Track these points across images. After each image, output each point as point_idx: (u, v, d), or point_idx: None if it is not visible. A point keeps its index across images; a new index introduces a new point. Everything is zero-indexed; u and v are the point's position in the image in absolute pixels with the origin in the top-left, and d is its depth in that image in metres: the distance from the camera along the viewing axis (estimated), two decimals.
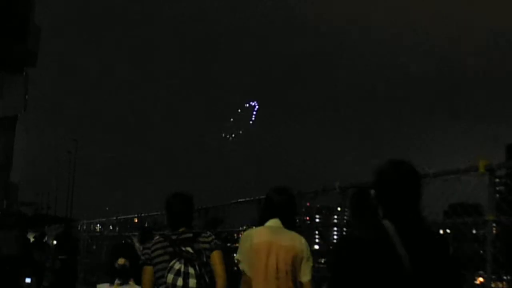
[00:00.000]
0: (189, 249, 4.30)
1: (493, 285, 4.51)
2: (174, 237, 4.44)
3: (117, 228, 16.92)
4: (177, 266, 4.23)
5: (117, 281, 5.65)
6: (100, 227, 20.60)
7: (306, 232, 6.44)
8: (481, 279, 4.71)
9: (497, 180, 4.56)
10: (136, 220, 14.36)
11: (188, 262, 4.24)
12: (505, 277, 5.08)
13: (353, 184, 6.26)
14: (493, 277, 4.48)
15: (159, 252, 4.40)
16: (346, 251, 2.63)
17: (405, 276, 2.49)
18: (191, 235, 4.45)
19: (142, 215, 13.96)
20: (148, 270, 4.43)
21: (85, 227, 21.44)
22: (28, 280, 15.12)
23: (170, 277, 4.20)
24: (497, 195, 4.56)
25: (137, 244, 7.05)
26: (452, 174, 4.80)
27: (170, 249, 4.34)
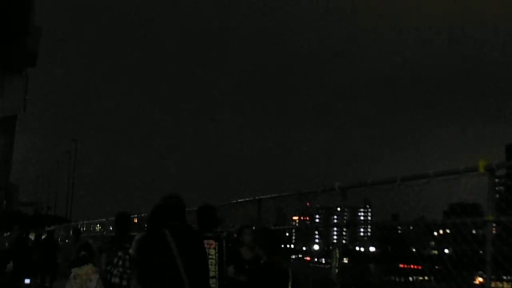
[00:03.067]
0: (127, 244, 7.01)
1: (492, 285, 4.51)
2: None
3: None
4: (119, 253, 7.16)
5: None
6: (100, 227, 20.58)
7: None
8: (480, 279, 4.71)
9: (496, 180, 4.55)
10: (135, 221, 14.36)
11: (126, 252, 7.01)
12: (504, 277, 5.08)
13: (353, 184, 6.26)
14: (493, 277, 4.48)
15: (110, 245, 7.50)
16: (141, 252, 4.31)
17: (177, 267, 3.98)
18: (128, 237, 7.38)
19: (142, 215, 13.95)
20: (102, 256, 7.44)
21: (85, 228, 21.41)
22: (27, 281, 15.11)
23: (115, 260, 7.16)
24: (497, 195, 4.55)
25: (94, 245, 9.72)
26: (451, 174, 4.79)
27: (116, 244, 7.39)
